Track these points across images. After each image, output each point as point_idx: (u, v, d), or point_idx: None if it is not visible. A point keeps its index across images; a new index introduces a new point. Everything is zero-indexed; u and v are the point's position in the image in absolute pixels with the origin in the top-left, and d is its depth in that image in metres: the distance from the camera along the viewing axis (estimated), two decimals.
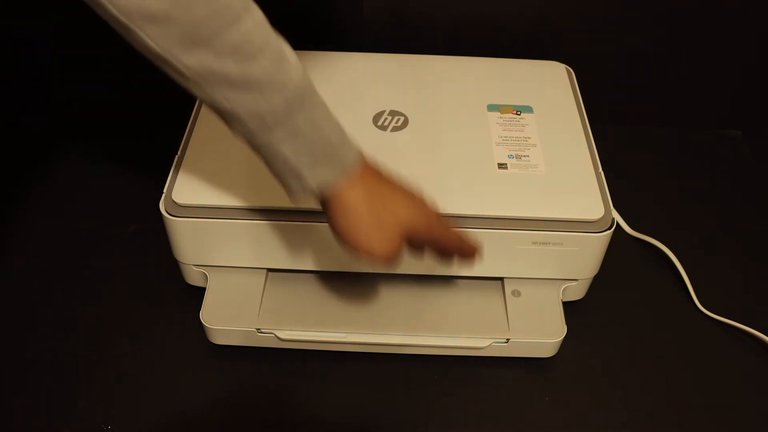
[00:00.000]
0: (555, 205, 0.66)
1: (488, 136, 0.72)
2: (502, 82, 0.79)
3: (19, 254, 0.79)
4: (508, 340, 0.68)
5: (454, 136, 0.72)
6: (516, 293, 0.71)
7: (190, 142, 0.71)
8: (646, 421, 0.68)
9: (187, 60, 0.46)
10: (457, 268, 0.69)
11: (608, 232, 0.66)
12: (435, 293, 0.72)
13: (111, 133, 0.93)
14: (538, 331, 0.68)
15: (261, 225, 0.65)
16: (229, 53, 0.47)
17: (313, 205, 0.56)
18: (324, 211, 0.55)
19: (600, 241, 0.67)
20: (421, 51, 0.83)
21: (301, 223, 0.65)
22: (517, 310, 0.70)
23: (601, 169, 0.70)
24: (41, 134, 0.93)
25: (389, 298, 0.71)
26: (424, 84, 0.78)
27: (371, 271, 0.69)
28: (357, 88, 0.77)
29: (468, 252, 0.60)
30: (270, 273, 0.72)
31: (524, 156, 0.70)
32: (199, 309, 0.69)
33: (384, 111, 0.74)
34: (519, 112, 0.75)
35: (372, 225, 0.53)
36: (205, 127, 0.72)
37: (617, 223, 0.71)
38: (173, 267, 0.74)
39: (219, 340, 0.70)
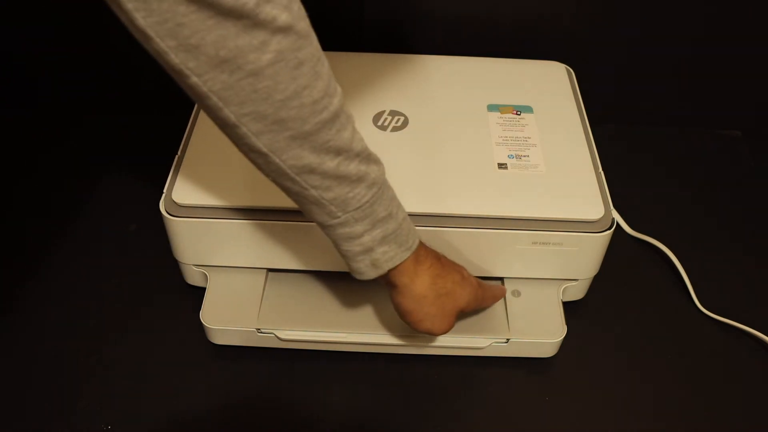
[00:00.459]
0: (555, 205, 0.66)
1: (488, 136, 0.72)
2: (502, 82, 0.79)
3: (19, 254, 0.79)
4: (508, 340, 0.68)
5: (454, 136, 0.72)
6: (516, 293, 0.71)
7: (190, 143, 0.71)
8: (646, 421, 0.68)
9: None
10: None
11: (608, 232, 0.66)
12: None
13: (111, 133, 0.93)
14: (538, 331, 0.69)
15: (261, 225, 0.65)
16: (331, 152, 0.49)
17: (379, 282, 0.58)
18: (389, 290, 0.60)
19: (600, 241, 0.67)
20: (421, 51, 0.83)
21: (301, 223, 0.65)
22: (517, 310, 0.70)
23: (601, 169, 0.70)
24: (41, 134, 0.93)
25: (389, 298, 0.71)
26: (424, 84, 0.78)
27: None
28: (357, 88, 0.77)
29: (499, 298, 0.69)
30: (270, 273, 0.72)
31: (524, 156, 0.70)
32: (199, 309, 0.69)
33: (384, 111, 0.74)
34: (519, 112, 0.75)
35: (437, 313, 0.60)
36: (205, 128, 0.72)
37: (617, 223, 0.71)
38: (173, 267, 0.74)
39: (219, 340, 0.70)
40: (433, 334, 0.61)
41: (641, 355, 0.73)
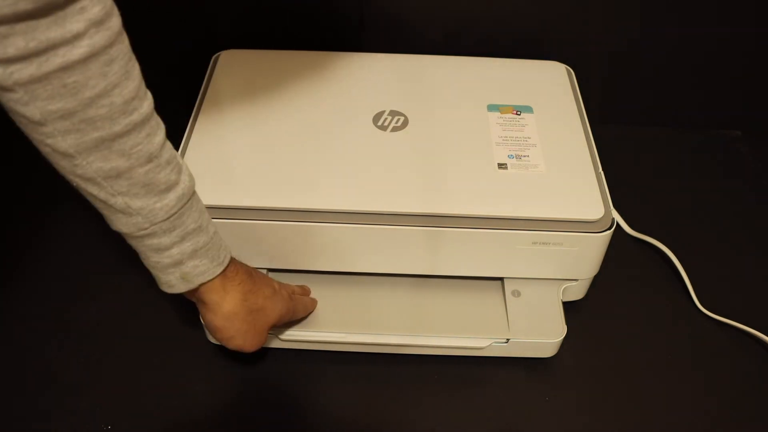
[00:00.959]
0: (555, 205, 0.66)
1: (488, 136, 0.72)
2: (502, 82, 0.79)
3: (18, 254, 0.79)
4: (508, 340, 0.68)
5: (454, 136, 0.72)
6: (516, 293, 0.71)
7: (190, 143, 0.71)
8: (645, 421, 0.68)
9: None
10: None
11: (608, 232, 0.66)
12: (435, 293, 0.72)
13: None
14: (538, 331, 0.68)
15: (261, 225, 0.65)
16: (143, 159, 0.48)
17: (187, 297, 0.57)
18: (198, 306, 0.58)
19: (600, 241, 0.67)
20: (421, 51, 0.83)
21: (301, 223, 0.65)
22: (517, 310, 0.70)
23: (601, 169, 0.70)
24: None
25: (389, 298, 0.71)
26: (424, 84, 0.78)
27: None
28: (357, 88, 0.77)
29: (311, 309, 0.69)
30: (270, 273, 0.72)
31: (524, 156, 0.70)
32: (199, 313, 0.69)
33: (384, 111, 0.74)
34: (519, 112, 0.75)
35: (248, 329, 0.59)
36: (204, 128, 0.72)
37: (617, 223, 0.71)
38: None
39: None
40: (244, 351, 0.60)
41: (641, 355, 0.73)
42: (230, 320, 0.57)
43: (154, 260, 0.53)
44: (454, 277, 0.72)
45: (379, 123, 0.73)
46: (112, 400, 0.67)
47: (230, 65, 0.80)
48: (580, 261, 0.69)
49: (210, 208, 0.65)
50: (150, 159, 0.47)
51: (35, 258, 0.79)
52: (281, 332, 0.68)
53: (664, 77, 0.94)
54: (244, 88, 0.77)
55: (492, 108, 0.76)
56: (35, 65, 0.40)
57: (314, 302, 0.70)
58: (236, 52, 0.81)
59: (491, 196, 0.66)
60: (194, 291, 0.55)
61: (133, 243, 0.52)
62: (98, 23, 0.41)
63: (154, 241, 0.51)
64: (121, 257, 0.79)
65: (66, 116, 0.43)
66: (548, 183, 0.68)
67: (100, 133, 0.44)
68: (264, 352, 0.70)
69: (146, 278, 0.76)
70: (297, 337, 0.68)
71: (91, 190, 0.48)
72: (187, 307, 0.72)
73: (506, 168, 0.69)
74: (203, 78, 0.78)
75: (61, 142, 0.44)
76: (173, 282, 0.54)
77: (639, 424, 0.67)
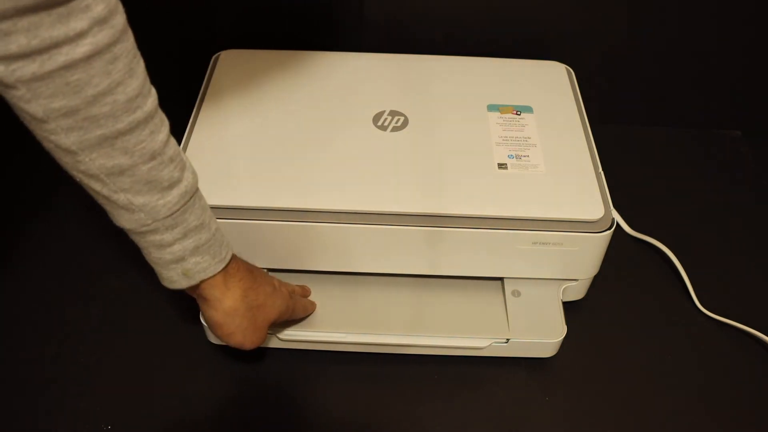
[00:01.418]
0: (555, 205, 0.66)
1: (488, 136, 0.72)
2: (502, 82, 0.79)
3: (18, 254, 0.79)
4: (508, 340, 0.68)
5: (454, 136, 0.72)
6: (516, 293, 0.71)
7: (190, 143, 0.71)
8: (645, 421, 0.68)
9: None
10: None
11: (608, 232, 0.66)
12: (435, 293, 0.72)
13: None
14: (538, 331, 0.69)
15: (261, 225, 0.65)
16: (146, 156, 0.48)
17: (188, 293, 0.57)
18: (199, 302, 0.58)
19: (600, 241, 0.67)
20: (421, 51, 0.83)
21: (301, 223, 0.65)
22: (517, 310, 0.70)
23: (601, 169, 0.70)
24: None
25: (389, 298, 0.71)
26: (424, 84, 0.78)
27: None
28: (357, 88, 0.77)
29: (310, 311, 0.69)
30: (270, 273, 0.72)
31: (524, 156, 0.70)
32: (199, 309, 0.69)
33: (384, 111, 0.74)
34: (519, 112, 0.75)
35: (248, 326, 0.59)
36: (204, 128, 0.72)
37: (617, 223, 0.71)
38: None
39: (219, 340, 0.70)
40: (243, 348, 0.60)
41: (641, 355, 0.73)
42: (231, 316, 0.57)
43: (155, 256, 0.53)
44: (454, 277, 0.72)
45: (379, 123, 0.73)
46: (112, 400, 0.67)
47: (230, 65, 0.80)
48: (580, 261, 0.69)
49: (210, 208, 0.65)
50: (153, 156, 0.47)
51: (35, 258, 0.79)
52: (281, 332, 0.68)
53: (664, 77, 0.94)
54: (244, 88, 0.77)
55: (492, 108, 0.76)
56: (38, 63, 0.40)
57: (313, 305, 0.70)
58: (236, 52, 0.81)
59: (491, 196, 0.66)
60: (195, 287, 0.55)
61: (135, 238, 0.52)
62: (102, 21, 0.41)
63: (156, 238, 0.51)
64: (121, 257, 0.79)
65: (69, 114, 0.43)
66: (548, 183, 0.68)
67: (103, 130, 0.44)
68: (264, 352, 0.70)
69: (146, 278, 0.77)
70: (297, 337, 0.68)
71: (94, 186, 0.48)
72: (187, 308, 0.73)
73: (506, 168, 0.69)
74: (203, 78, 0.78)
75: (64, 139, 0.44)
76: (175, 278, 0.54)
77: (639, 424, 0.67)
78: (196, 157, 0.69)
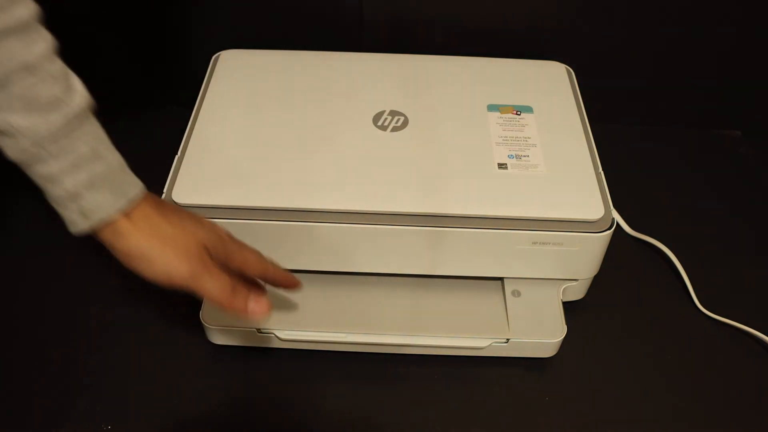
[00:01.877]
0: (555, 205, 0.66)
1: (488, 136, 0.72)
2: (502, 82, 0.79)
3: (18, 254, 0.79)
4: (508, 340, 0.68)
5: (454, 136, 0.72)
6: (516, 293, 0.71)
7: (190, 142, 0.71)
8: (645, 421, 0.68)
9: None
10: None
11: (608, 232, 0.66)
12: (435, 293, 0.72)
13: (111, 133, 0.93)
14: (538, 331, 0.69)
15: (261, 225, 0.65)
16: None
17: (99, 236, 0.52)
18: (109, 246, 0.52)
19: (600, 241, 0.67)
20: (421, 51, 0.83)
21: (301, 223, 0.65)
22: (517, 310, 0.70)
23: (601, 169, 0.70)
24: None
25: (389, 298, 0.71)
26: (424, 84, 0.78)
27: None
28: (357, 88, 0.77)
29: (278, 276, 0.59)
30: None
31: (524, 156, 0.70)
32: (200, 309, 0.69)
33: (384, 111, 0.74)
34: (519, 112, 0.75)
35: (170, 252, 0.52)
36: (204, 128, 0.72)
37: (617, 223, 0.71)
38: None
39: (219, 340, 0.70)
40: (173, 281, 0.52)
41: (641, 355, 0.73)
42: (143, 248, 0.51)
43: (53, 194, 0.49)
44: (454, 277, 0.72)
45: (379, 123, 0.73)
46: (112, 400, 0.67)
47: (230, 65, 0.80)
48: (580, 261, 0.69)
49: (210, 207, 0.65)
50: (28, 69, 0.45)
51: (35, 258, 0.79)
52: (281, 332, 0.68)
53: (664, 77, 0.94)
54: (244, 88, 0.77)
55: (492, 108, 0.76)
56: None
57: (280, 273, 0.60)
58: (236, 52, 0.81)
59: (491, 196, 0.66)
60: (101, 231, 0.51)
61: (29, 174, 0.48)
62: None
63: (44, 169, 0.47)
64: None
65: None
66: (548, 183, 0.68)
67: None
68: (264, 352, 0.70)
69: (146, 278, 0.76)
70: (297, 337, 0.68)
71: None
72: (187, 308, 0.73)
73: (506, 168, 0.69)
74: (203, 78, 0.78)
75: None
76: (75, 219, 0.50)
77: (639, 424, 0.67)
78: (196, 156, 0.69)
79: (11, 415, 0.66)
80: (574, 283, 0.72)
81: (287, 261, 0.69)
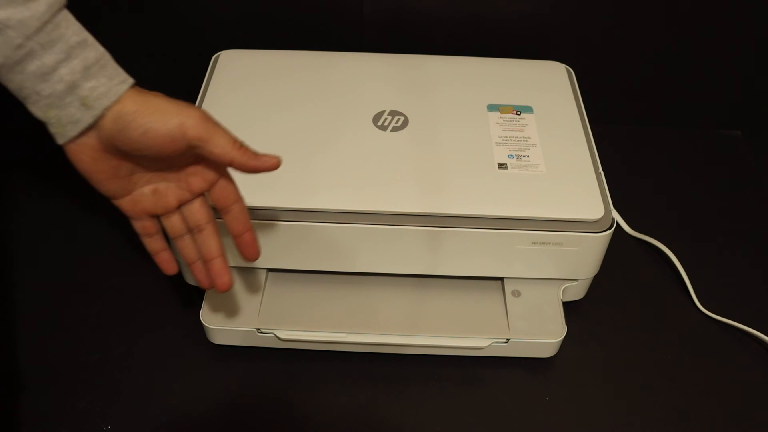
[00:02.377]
0: (555, 205, 0.66)
1: (488, 136, 0.72)
2: (502, 82, 0.79)
3: (19, 254, 0.79)
4: (508, 340, 0.68)
5: (454, 136, 0.72)
6: (516, 293, 0.71)
7: None
8: (646, 421, 0.68)
9: None
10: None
11: (608, 232, 0.66)
12: (435, 293, 0.72)
13: None
14: (538, 331, 0.69)
15: (261, 225, 0.65)
16: None
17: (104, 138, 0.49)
18: (112, 137, 0.50)
19: (600, 241, 0.67)
20: (421, 51, 0.83)
21: (302, 223, 0.65)
22: (517, 310, 0.70)
23: (601, 169, 0.70)
24: (41, 133, 0.93)
25: (389, 298, 0.71)
26: (424, 84, 0.78)
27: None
28: (357, 88, 0.77)
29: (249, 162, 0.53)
30: (270, 273, 0.72)
31: (524, 156, 0.70)
32: (199, 309, 0.69)
33: (384, 111, 0.74)
34: (519, 112, 0.75)
35: (177, 103, 0.50)
36: None
37: (617, 223, 0.71)
38: None
39: (219, 340, 0.70)
40: (185, 131, 0.49)
41: (641, 355, 0.73)
42: (150, 115, 0.49)
43: (47, 93, 0.47)
44: (454, 277, 0.72)
45: (379, 123, 0.73)
46: (111, 400, 0.67)
47: (230, 65, 0.80)
48: (580, 261, 0.69)
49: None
50: None
51: (35, 258, 0.79)
52: (281, 332, 0.68)
53: (664, 77, 0.94)
54: (244, 88, 0.77)
55: (492, 108, 0.76)
56: None
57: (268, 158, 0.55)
58: (236, 52, 0.81)
59: (491, 196, 0.66)
60: (104, 121, 0.49)
61: (20, 81, 0.47)
62: None
63: (36, 64, 0.46)
64: (121, 257, 0.79)
65: None
66: (548, 183, 0.68)
67: None
68: (264, 352, 0.70)
69: (147, 278, 0.77)
70: (297, 337, 0.68)
71: None
72: (187, 308, 0.73)
73: (506, 168, 0.69)
74: (203, 78, 0.78)
75: None
76: (76, 115, 0.48)
77: (639, 424, 0.67)
78: None
79: (11, 415, 0.66)
80: (574, 283, 0.72)
81: (287, 261, 0.69)
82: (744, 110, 0.97)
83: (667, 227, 0.83)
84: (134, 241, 0.80)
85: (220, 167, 0.55)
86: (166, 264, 0.59)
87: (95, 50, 0.48)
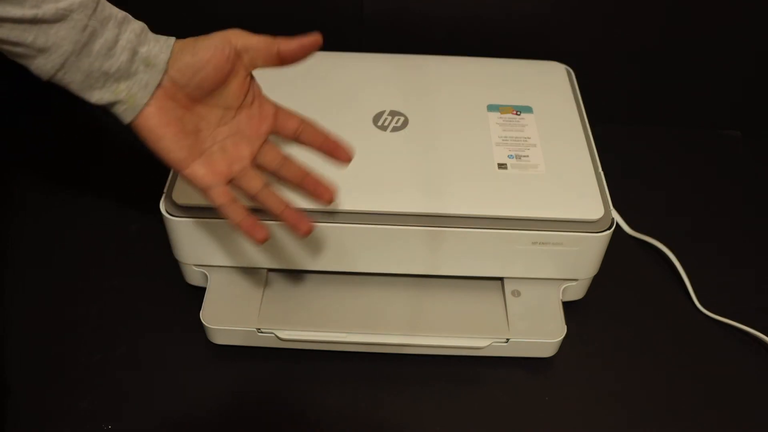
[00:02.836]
0: (555, 205, 0.66)
1: (488, 136, 0.72)
2: (502, 82, 0.79)
3: (19, 254, 0.79)
4: (508, 340, 0.68)
5: (454, 137, 0.72)
6: (516, 293, 0.71)
7: None
8: (645, 421, 0.68)
9: None
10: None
11: (608, 232, 0.66)
12: (435, 293, 0.72)
13: (112, 134, 0.93)
14: (538, 331, 0.69)
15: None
16: None
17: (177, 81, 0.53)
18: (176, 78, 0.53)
19: (600, 241, 0.67)
20: (421, 51, 0.83)
21: None
22: (517, 310, 0.70)
23: (601, 169, 0.70)
24: (41, 133, 0.93)
25: (389, 298, 0.71)
26: (424, 84, 0.78)
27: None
28: (357, 88, 0.77)
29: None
30: (270, 273, 0.72)
31: (524, 156, 0.70)
32: (199, 309, 0.69)
33: (384, 111, 0.74)
34: (519, 112, 0.75)
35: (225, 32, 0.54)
36: None
37: (617, 223, 0.71)
38: (173, 267, 0.74)
39: (219, 340, 0.70)
40: (232, 41, 0.54)
41: (641, 355, 0.73)
42: (201, 44, 0.53)
43: (114, 70, 0.50)
44: (454, 277, 0.72)
45: (379, 123, 0.73)
46: (112, 400, 0.67)
47: None
48: (580, 261, 0.69)
49: (210, 208, 0.65)
50: None
51: (35, 258, 0.79)
52: (281, 332, 0.68)
53: (664, 77, 0.94)
54: None
55: (492, 108, 0.76)
56: None
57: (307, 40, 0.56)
58: None
59: (491, 196, 0.66)
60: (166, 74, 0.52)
61: (86, 65, 0.49)
62: None
63: (101, 41, 0.49)
64: (121, 257, 0.79)
65: None
66: (548, 183, 0.68)
67: None
68: (264, 352, 0.70)
69: (147, 278, 0.77)
70: (297, 336, 0.68)
71: (14, 12, 0.45)
72: (187, 308, 0.73)
73: (506, 168, 0.69)
74: None
75: None
76: (144, 78, 0.51)
77: (638, 424, 0.67)
78: None
79: (11, 415, 0.66)
80: (574, 283, 0.72)
81: (288, 261, 0.69)
82: (744, 110, 0.97)
83: (666, 227, 0.83)
84: (136, 241, 0.80)
85: (274, 105, 0.59)
86: (255, 229, 0.57)
87: (136, 22, 0.52)
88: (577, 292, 0.74)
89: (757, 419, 0.68)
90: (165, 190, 0.67)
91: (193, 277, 0.73)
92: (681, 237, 0.82)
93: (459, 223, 0.65)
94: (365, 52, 0.83)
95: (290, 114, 0.59)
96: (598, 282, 0.73)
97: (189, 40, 0.53)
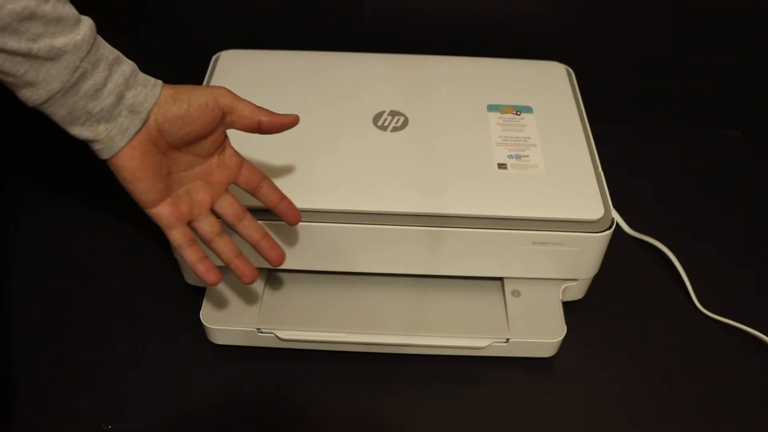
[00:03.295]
0: (555, 205, 0.66)
1: (488, 136, 0.72)
2: (502, 82, 0.79)
3: (19, 254, 0.79)
4: (508, 340, 0.68)
5: (454, 137, 0.72)
6: (516, 293, 0.71)
7: None
8: (645, 421, 0.68)
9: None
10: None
11: (608, 232, 0.66)
12: (435, 293, 0.72)
13: None
14: (538, 331, 0.69)
15: (261, 225, 0.65)
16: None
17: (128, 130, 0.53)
18: (160, 126, 0.54)
19: (600, 241, 0.67)
20: (421, 51, 0.83)
21: (302, 223, 0.65)
22: (517, 310, 0.70)
23: (601, 169, 0.70)
24: (42, 133, 0.93)
25: (389, 298, 0.71)
26: (424, 84, 0.78)
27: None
28: (357, 88, 0.77)
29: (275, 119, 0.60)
30: (270, 273, 0.72)
31: (524, 156, 0.70)
32: (199, 309, 0.69)
33: (384, 111, 0.74)
34: (519, 112, 0.75)
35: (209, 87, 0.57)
36: None
37: (617, 223, 0.71)
38: (173, 267, 0.74)
39: (219, 340, 0.70)
40: (218, 99, 0.56)
41: (641, 355, 0.73)
42: (185, 97, 0.55)
43: (97, 111, 0.51)
44: (454, 277, 0.72)
45: (379, 123, 0.73)
46: (112, 400, 0.67)
47: (230, 65, 0.80)
48: (580, 261, 0.69)
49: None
50: None
51: (35, 258, 0.79)
52: (281, 332, 0.68)
53: (664, 77, 0.94)
54: (244, 88, 0.76)
55: (492, 108, 0.76)
56: None
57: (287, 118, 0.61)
58: (236, 52, 0.81)
59: (491, 196, 0.66)
60: (148, 122, 0.53)
61: (71, 103, 0.50)
62: None
63: (90, 83, 0.50)
64: (121, 257, 0.79)
65: None
66: (548, 183, 0.68)
67: None
68: (264, 352, 0.70)
69: (147, 278, 0.77)
70: (297, 336, 0.68)
71: (11, 44, 0.46)
72: (187, 308, 0.73)
73: (506, 168, 0.69)
74: (203, 78, 0.78)
75: None
76: (125, 123, 0.52)
77: (638, 424, 0.67)
78: None
79: (11, 415, 0.66)
80: (574, 283, 0.72)
81: (287, 261, 0.69)
82: (744, 110, 0.97)
83: (666, 227, 0.83)
84: (134, 241, 0.80)
85: (240, 158, 0.61)
86: (209, 273, 0.59)
87: (127, 63, 0.53)
88: (577, 292, 0.74)
89: (757, 419, 0.68)
90: None
91: (193, 277, 0.73)
92: (681, 237, 0.82)
93: (459, 223, 0.65)
94: (365, 52, 0.83)
95: (255, 169, 0.61)
96: (598, 282, 0.73)
97: (179, 90, 0.55)
